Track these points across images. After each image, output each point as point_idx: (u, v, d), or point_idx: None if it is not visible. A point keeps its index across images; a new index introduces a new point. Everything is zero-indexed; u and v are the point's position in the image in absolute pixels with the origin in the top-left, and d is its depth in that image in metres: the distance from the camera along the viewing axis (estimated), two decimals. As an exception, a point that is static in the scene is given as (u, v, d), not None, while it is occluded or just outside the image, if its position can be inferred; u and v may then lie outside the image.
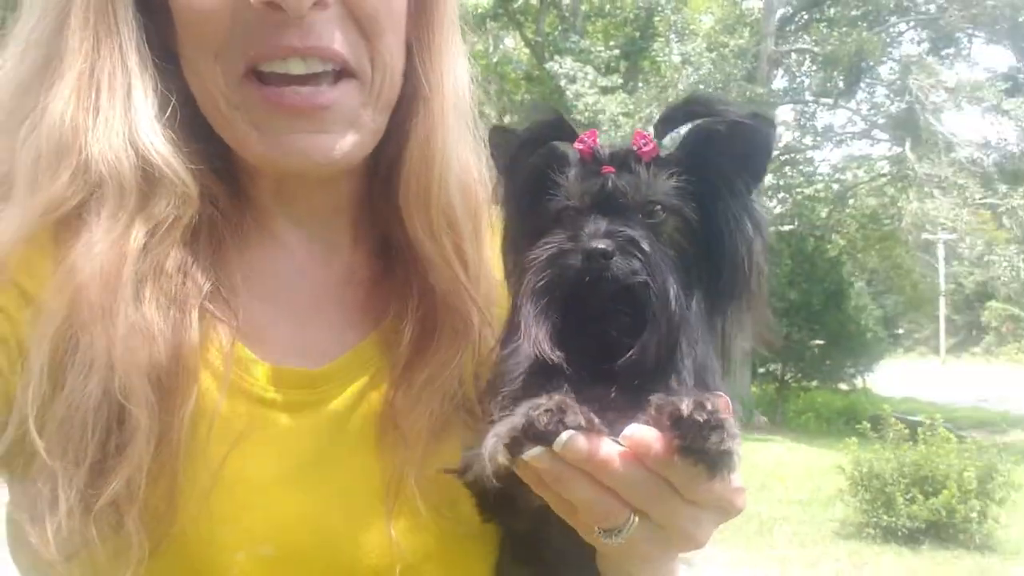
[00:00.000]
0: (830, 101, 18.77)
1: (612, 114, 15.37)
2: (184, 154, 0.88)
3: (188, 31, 0.88)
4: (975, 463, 7.51)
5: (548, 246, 0.81)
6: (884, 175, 19.16)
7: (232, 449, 0.85)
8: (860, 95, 19.08)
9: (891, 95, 18.09)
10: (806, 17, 19.05)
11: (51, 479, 0.77)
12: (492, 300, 0.98)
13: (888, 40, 18.03)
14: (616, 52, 18.10)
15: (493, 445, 0.75)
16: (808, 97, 19.01)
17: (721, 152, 0.82)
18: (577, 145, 0.83)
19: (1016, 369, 27.17)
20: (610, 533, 0.77)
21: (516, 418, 0.74)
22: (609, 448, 0.72)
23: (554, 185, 0.84)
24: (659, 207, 0.81)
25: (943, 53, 18.23)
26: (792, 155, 19.38)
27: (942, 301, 30.28)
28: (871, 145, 19.92)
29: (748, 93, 16.24)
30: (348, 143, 0.91)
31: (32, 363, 0.79)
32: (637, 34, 18.69)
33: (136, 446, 0.78)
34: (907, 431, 8.19)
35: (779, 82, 18.77)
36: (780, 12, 18.21)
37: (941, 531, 7.49)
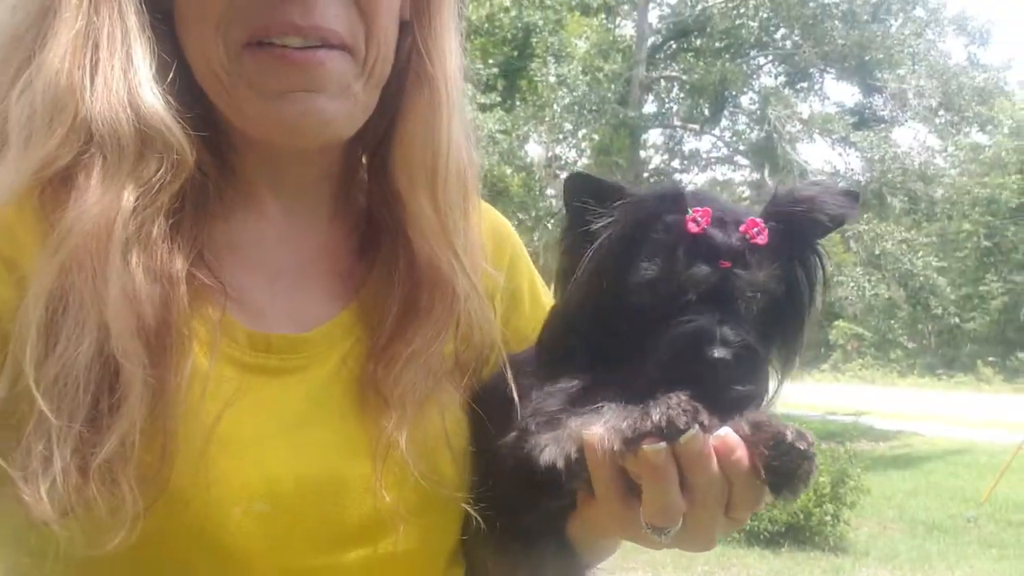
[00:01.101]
0: (696, 127, 19.64)
1: (490, 131, 15.53)
2: (184, 118, 0.86)
3: (188, 2, 0.87)
4: (829, 470, 7.97)
5: (663, 340, 0.83)
6: (745, 199, 20.12)
7: (225, 409, 0.85)
8: (724, 123, 20.07)
9: (751, 124, 19.12)
10: (674, 46, 19.91)
11: (45, 437, 0.76)
12: (478, 272, 1.01)
13: (749, 72, 19.05)
14: (495, 71, 18.33)
15: (599, 431, 0.80)
16: (676, 122, 19.83)
17: (815, 229, 0.89)
18: (691, 226, 0.85)
19: (860, 385, 29.10)
20: (660, 531, 0.83)
21: (644, 415, 0.79)
22: (710, 448, 0.79)
23: (651, 253, 0.86)
24: (759, 293, 0.86)
25: (798, 87, 19.44)
26: (660, 178, 20.11)
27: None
28: (733, 170, 20.93)
29: (620, 115, 16.80)
30: (342, 109, 0.92)
31: (28, 323, 0.77)
32: (515, 54, 18.97)
33: (130, 405, 0.78)
34: (768, 440, 8.62)
35: (649, 107, 19.50)
36: (651, 40, 18.96)
37: (799, 534, 7.90)
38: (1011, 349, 32.20)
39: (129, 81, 0.85)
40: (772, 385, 0.91)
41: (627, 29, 20.22)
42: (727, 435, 0.79)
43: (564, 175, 0.91)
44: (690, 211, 0.85)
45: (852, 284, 16.67)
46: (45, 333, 0.78)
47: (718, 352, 0.81)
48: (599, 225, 0.88)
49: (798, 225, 0.88)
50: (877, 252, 16.48)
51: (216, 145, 0.94)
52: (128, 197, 0.82)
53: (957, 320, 30.11)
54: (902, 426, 17.57)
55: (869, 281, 16.57)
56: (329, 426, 0.92)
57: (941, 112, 17.88)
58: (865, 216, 16.92)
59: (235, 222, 0.96)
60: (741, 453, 0.79)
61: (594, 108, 16.70)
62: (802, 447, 0.77)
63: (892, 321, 31.59)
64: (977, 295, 33.50)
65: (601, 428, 0.80)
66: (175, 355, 0.82)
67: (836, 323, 33.73)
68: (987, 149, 31.60)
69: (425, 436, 0.94)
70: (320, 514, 0.89)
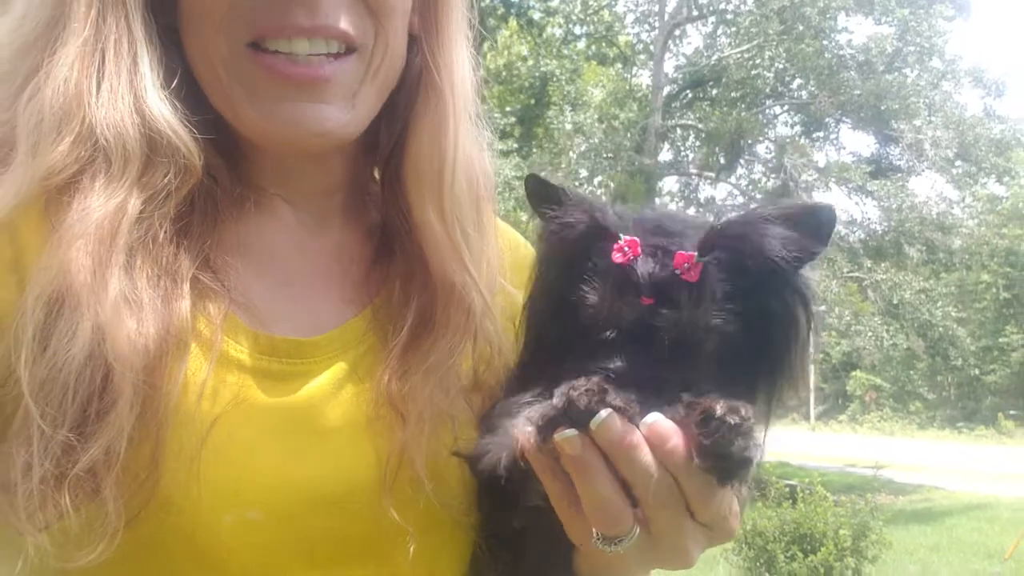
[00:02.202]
0: (712, 175, 19.70)
1: (507, 177, 15.67)
2: (191, 124, 0.86)
3: (193, 1, 0.87)
4: (850, 523, 7.81)
5: (571, 389, 0.74)
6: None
7: (221, 414, 0.82)
8: (739, 171, 20.14)
9: (767, 172, 19.17)
10: (690, 95, 20.07)
11: (27, 444, 0.73)
12: (493, 288, 0.98)
13: (765, 121, 19.16)
14: (512, 118, 18.54)
15: (521, 426, 0.74)
16: (692, 170, 19.92)
17: (772, 246, 0.77)
18: (616, 256, 0.78)
19: (879, 437, 28.71)
20: (610, 541, 0.76)
21: (552, 400, 0.72)
22: (637, 435, 0.72)
23: (587, 283, 0.79)
24: (701, 335, 0.77)
25: (814, 136, 19.50)
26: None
27: (811, 370, 31.85)
28: (750, 218, 20.91)
29: (636, 163, 16.88)
30: (343, 117, 0.91)
31: (26, 324, 0.76)
32: (532, 101, 19.21)
33: (118, 412, 0.75)
34: (787, 491, 8.48)
35: (665, 155, 19.60)
36: (667, 89, 19.14)
37: (820, 588, 7.72)
38: (1032, 402, 31.73)
39: (135, 88, 0.85)
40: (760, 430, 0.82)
41: (643, 78, 20.46)
42: (656, 422, 0.71)
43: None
44: (621, 239, 0.78)
45: (870, 334, 16.54)
46: (40, 335, 0.76)
47: (617, 400, 0.71)
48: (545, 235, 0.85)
49: (749, 261, 0.77)
50: (895, 302, 16.36)
51: (226, 150, 0.93)
52: (135, 202, 0.82)
53: (977, 372, 29.79)
54: (922, 479, 17.25)
55: (887, 331, 16.43)
56: (333, 435, 0.89)
57: (958, 162, 17.86)
58: (883, 265, 16.87)
59: (245, 227, 0.95)
60: (676, 441, 0.71)
61: (610, 155, 16.81)
62: (733, 421, 0.68)
63: (911, 372, 31.22)
64: (997, 347, 33.15)
65: (522, 421, 0.75)
66: (170, 360, 0.80)
67: (854, 373, 33.42)
68: (1004, 200, 31.55)
69: (437, 454, 0.90)
70: (320, 527, 0.86)
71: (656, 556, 0.79)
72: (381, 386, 0.91)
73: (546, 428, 0.72)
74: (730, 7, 18.56)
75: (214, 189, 0.91)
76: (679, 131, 19.66)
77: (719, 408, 0.69)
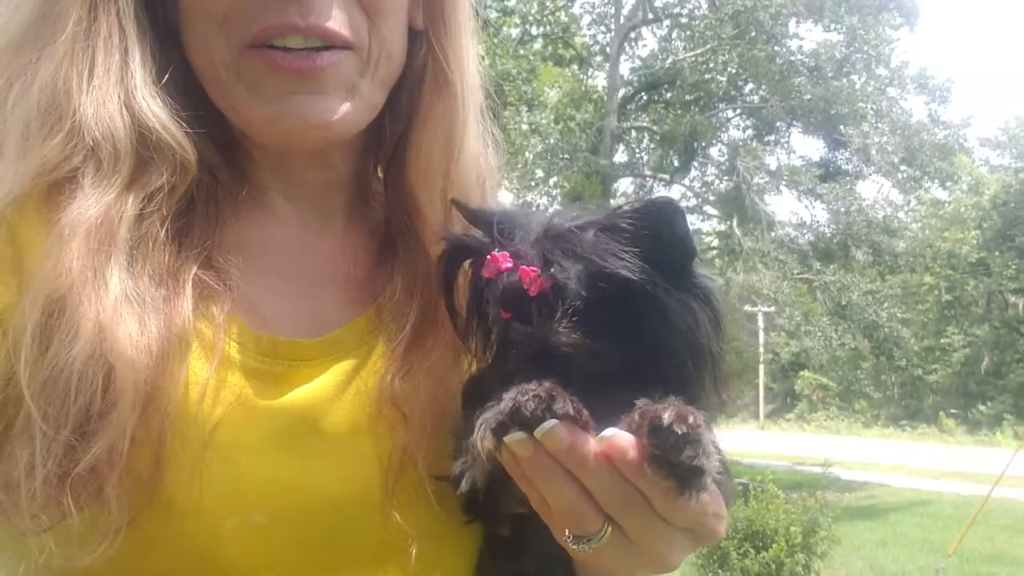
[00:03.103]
0: (666, 177, 19.89)
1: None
2: (183, 119, 0.85)
3: (193, 1, 0.87)
4: (800, 520, 7.94)
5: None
6: (714, 248, 20.46)
7: (224, 416, 0.81)
8: (693, 173, 20.40)
9: (720, 174, 19.46)
10: (645, 98, 20.24)
11: (29, 444, 0.73)
12: None
13: (718, 124, 19.41)
14: (467, 117, 18.49)
15: (481, 431, 0.73)
16: (646, 172, 20.08)
17: (626, 250, 0.76)
18: (484, 272, 0.80)
19: (825, 436, 29.27)
20: (580, 540, 0.76)
21: (504, 403, 0.72)
22: (590, 445, 0.71)
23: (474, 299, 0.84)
24: (563, 348, 0.76)
25: (765, 139, 19.80)
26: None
27: (761, 370, 32.31)
28: (702, 220, 21.16)
29: (592, 164, 16.97)
30: (345, 108, 0.90)
31: (24, 326, 0.74)
32: (488, 102, 19.20)
33: (120, 411, 0.74)
34: (739, 488, 8.60)
35: (620, 156, 19.70)
36: (622, 91, 19.27)
37: (770, 584, 7.84)
38: (972, 401, 32.65)
39: (126, 85, 0.84)
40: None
41: (599, 80, 20.57)
42: (614, 436, 0.70)
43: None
44: (490, 255, 0.79)
45: (819, 334, 16.84)
46: (41, 336, 0.75)
47: (559, 410, 0.71)
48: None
49: (600, 253, 0.76)
50: (843, 303, 16.70)
51: (228, 149, 0.93)
52: (132, 200, 0.81)
53: (920, 372, 30.54)
54: (868, 477, 17.63)
55: (836, 331, 16.76)
56: (336, 438, 0.88)
57: (903, 167, 18.31)
58: (831, 267, 17.21)
59: (247, 225, 0.95)
60: (635, 453, 0.70)
61: (566, 156, 16.86)
62: (681, 430, 0.67)
63: (857, 372, 31.90)
64: (939, 347, 34.01)
65: (480, 424, 0.74)
66: (174, 360, 0.79)
67: (802, 373, 34.02)
68: (947, 205, 32.41)
69: (439, 456, 0.89)
70: (323, 531, 0.85)
71: (636, 560, 0.78)
72: (384, 385, 0.91)
73: (499, 430, 0.71)
74: (685, 11, 18.75)
75: (215, 187, 0.90)
76: (634, 133, 19.81)
77: (667, 416, 0.68)
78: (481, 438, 0.73)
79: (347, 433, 0.89)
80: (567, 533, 0.76)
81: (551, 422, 0.69)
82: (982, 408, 31.54)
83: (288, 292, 0.95)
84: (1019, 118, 34.79)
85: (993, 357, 33.35)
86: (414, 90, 0.99)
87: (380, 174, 1.07)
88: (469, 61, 1.00)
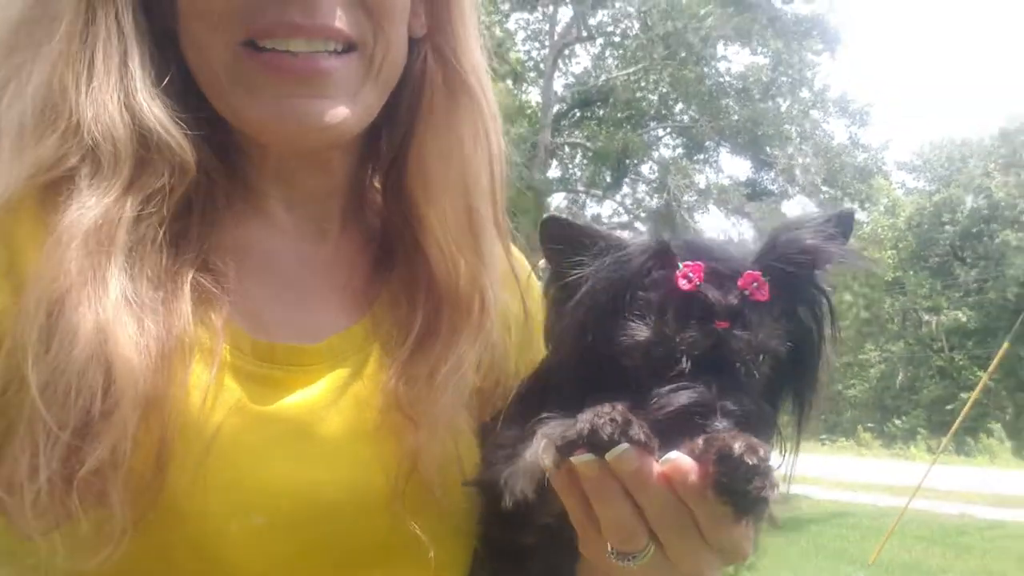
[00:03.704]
0: (599, 193, 20.16)
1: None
2: (182, 121, 0.84)
3: (190, 1, 0.85)
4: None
5: (662, 407, 0.75)
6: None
7: (224, 420, 0.80)
8: (625, 189, 20.73)
9: (651, 191, 19.79)
10: (578, 114, 20.52)
11: (31, 446, 0.72)
12: (498, 296, 0.97)
13: (649, 142, 19.79)
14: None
15: (544, 446, 0.74)
16: (580, 187, 20.33)
17: (813, 272, 0.81)
18: (682, 283, 0.77)
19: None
20: (624, 557, 0.77)
21: (575, 423, 0.73)
22: (654, 467, 0.73)
23: (640, 311, 0.78)
24: (763, 355, 0.78)
25: (695, 158, 20.28)
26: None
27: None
28: (633, 236, 21.49)
29: (526, 179, 17.07)
30: (344, 112, 0.89)
31: (27, 327, 0.75)
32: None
33: (122, 412, 0.73)
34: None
35: (554, 171, 19.94)
36: (556, 107, 19.49)
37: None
38: (888, 416, 33.80)
39: (125, 86, 0.83)
40: (784, 447, 0.86)
41: (533, 95, 20.76)
42: (678, 459, 0.72)
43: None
44: (680, 266, 0.78)
45: (744, 349, 17.18)
46: (43, 337, 0.74)
47: (719, 425, 0.73)
48: (578, 276, 0.81)
49: (800, 275, 0.80)
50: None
51: (225, 151, 0.92)
52: (132, 203, 0.80)
53: (840, 387, 31.47)
54: (789, 488, 18.05)
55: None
56: (335, 442, 0.88)
57: (825, 188, 18.93)
58: (757, 284, 17.65)
59: (245, 230, 0.94)
60: (695, 478, 0.72)
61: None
62: (752, 461, 0.69)
63: (780, 386, 32.67)
64: (857, 363, 35.13)
65: (541, 439, 0.75)
66: (174, 362, 0.79)
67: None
68: (865, 226, 33.59)
69: (447, 461, 0.90)
70: (324, 534, 0.85)
71: (669, 574, 0.79)
72: (388, 391, 0.90)
73: (565, 448, 0.72)
74: (618, 30, 19.09)
75: (212, 191, 0.89)
76: (567, 149, 20.07)
77: (737, 447, 0.70)
78: (543, 451, 0.74)
79: (345, 437, 0.88)
80: (611, 549, 0.77)
81: (624, 446, 0.71)
82: (897, 422, 32.67)
83: (284, 298, 0.94)
84: (933, 143, 36.35)
85: (908, 373, 34.63)
86: (414, 97, 0.97)
87: (377, 183, 1.06)
88: (481, 64, 0.99)
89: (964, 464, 21.22)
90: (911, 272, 33.18)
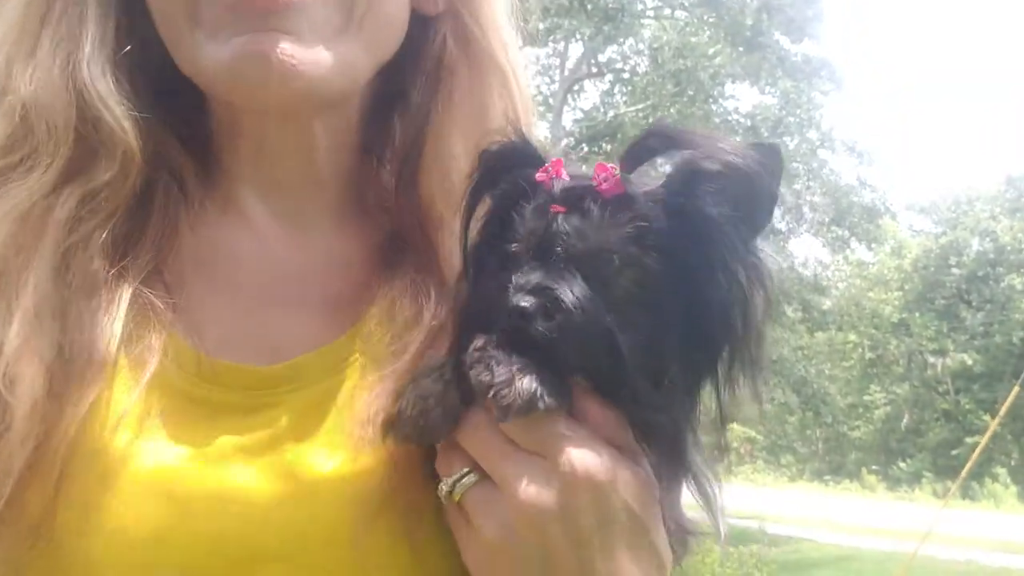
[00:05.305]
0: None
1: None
2: (131, 98, 0.75)
3: None
4: (736, 574, 7.96)
5: (479, 295, 0.74)
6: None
7: (138, 452, 0.70)
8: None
9: (658, 227, 19.77)
10: (587, 149, 20.54)
11: None
12: None
13: (656, 178, 19.81)
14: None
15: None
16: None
17: (709, 193, 0.69)
18: (539, 175, 0.73)
19: (751, 488, 29.64)
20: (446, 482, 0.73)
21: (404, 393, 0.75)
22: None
23: (497, 204, 0.76)
24: (614, 256, 0.70)
25: (702, 195, 20.25)
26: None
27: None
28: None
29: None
30: (317, 56, 0.77)
31: None
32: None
33: (11, 438, 0.64)
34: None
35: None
36: (564, 142, 19.54)
37: (705, 638, 7.81)
38: (892, 458, 33.47)
39: (73, 59, 0.74)
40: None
41: (542, 130, 20.87)
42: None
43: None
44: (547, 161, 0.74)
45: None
46: None
47: (517, 298, 0.67)
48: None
49: (685, 185, 0.70)
50: (775, 358, 17.04)
51: (201, 144, 0.83)
52: (68, 199, 0.71)
53: (844, 428, 31.24)
54: (792, 531, 17.81)
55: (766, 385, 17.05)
56: (285, 479, 0.75)
57: (832, 227, 18.90)
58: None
59: (210, 230, 0.84)
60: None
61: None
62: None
63: (785, 426, 32.47)
64: (862, 404, 34.91)
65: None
66: (86, 386, 0.69)
67: (730, 426, 34.42)
68: (871, 266, 33.59)
69: (418, 497, 0.78)
70: None
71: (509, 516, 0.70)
72: (365, 422, 0.77)
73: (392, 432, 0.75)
74: (627, 67, 19.21)
75: (174, 190, 0.80)
76: (575, 183, 20.11)
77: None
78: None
79: (273, 495, 0.74)
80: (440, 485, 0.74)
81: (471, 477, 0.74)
82: (902, 465, 32.33)
83: (247, 310, 0.83)
84: (939, 186, 36.40)
85: (913, 415, 34.36)
86: (429, 84, 0.88)
87: (392, 177, 0.95)
88: (513, 42, 0.89)
89: (969, 508, 20.97)
90: (917, 314, 33.04)
